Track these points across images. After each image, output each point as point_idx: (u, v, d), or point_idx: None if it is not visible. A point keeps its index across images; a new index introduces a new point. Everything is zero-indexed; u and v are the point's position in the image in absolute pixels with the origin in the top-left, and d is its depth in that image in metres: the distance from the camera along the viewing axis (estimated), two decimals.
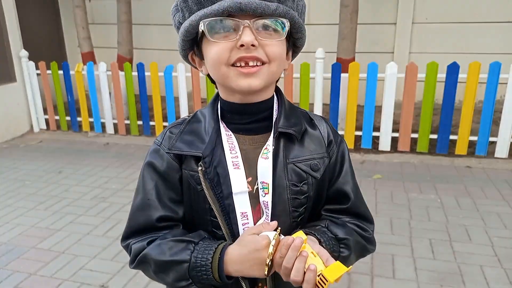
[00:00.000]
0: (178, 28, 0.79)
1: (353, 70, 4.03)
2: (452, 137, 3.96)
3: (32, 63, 4.98)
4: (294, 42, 0.82)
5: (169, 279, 0.77)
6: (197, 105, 4.51)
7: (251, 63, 0.72)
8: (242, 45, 0.70)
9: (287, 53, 0.80)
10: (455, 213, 2.92)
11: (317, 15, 5.37)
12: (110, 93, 4.94)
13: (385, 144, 4.15)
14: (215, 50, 0.73)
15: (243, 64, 0.73)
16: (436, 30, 5.03)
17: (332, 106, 4.20)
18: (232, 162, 0.78)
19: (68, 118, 5.10)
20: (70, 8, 5.57)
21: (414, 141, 4.14)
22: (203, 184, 0.78)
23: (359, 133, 4.23)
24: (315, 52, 4.17)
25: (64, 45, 6.20)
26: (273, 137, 0.80)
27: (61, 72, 4.91)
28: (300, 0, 0.77)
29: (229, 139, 0.80)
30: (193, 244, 0.76)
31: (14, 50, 4.97)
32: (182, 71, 4.44)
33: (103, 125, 5.00)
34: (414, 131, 4.11)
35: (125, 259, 2.46)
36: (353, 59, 4.45)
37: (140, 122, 4.83)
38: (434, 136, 4.02)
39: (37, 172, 3.88)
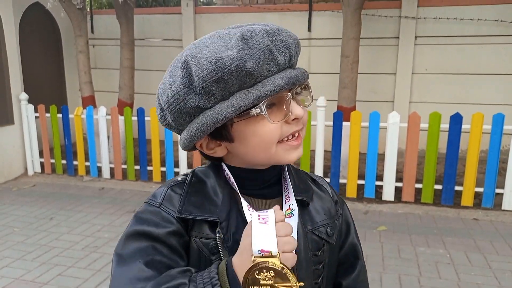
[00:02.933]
0: (189, 114, 0.66)
1: (355, 119, 4.01)
2: (457, 187, 3.87)
3: (31, 106, 4.95)
4: None
5: None
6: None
7: (296, 134, 0.69)
8: (294, 119, 0.66)
9: None
10: (467, 271, 2.76)
11: (318, 64, 5.44)
12: (108, 137, 4.88)
13: (388, 194, 4.05)
14: (267, 130, 0.65)
15: (290, 137, 0.68)
16: (436, 81, 5.09)
17: (334, 154, 4.14)
18: (247, 214, 0.69)
19: (64, 161, 5.00)
20: (73, 52, 5.65)
21: (418, 191, 4.04)
22: (221, 253, 0.67)
23: (361, 181, 4.13)
24: (316, 100, 4.17)
25: (65, 88, 6.22)
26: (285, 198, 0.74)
27: (60, 115, 4.87)
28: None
29: (249, 207, 0.70)
30: (187, 279, 0.62)
31: (14, 92, 4.95)
32: None
33: (99, 169, 4.90)
34: (418, 181, 4.02)
35: None
36: (354, 108, 4.45)
37: (137, 167, 4.73)
38: (439, 187, 3.92)
39: (27, 219, 3.72)
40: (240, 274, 0.58)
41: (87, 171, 4.96)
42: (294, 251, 0.63)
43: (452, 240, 3.23)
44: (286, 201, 0.74)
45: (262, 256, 0.58)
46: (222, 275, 0.59)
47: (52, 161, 5.05)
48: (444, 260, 2.91)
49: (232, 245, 0.67)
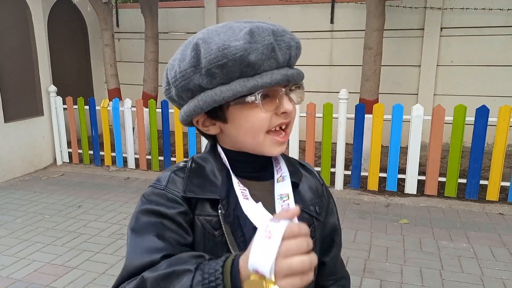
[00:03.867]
0: (191, 91, 0.71)
1: (377, 111, 3.97)
2: (482, 182, 3.80)
3: (59, 98, 5.12)
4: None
5: None
6: None
7: (283, 127, 0.74)
8: (284, 112, 0.72)
9: None
10: (491, 265, 2.73)
11: (341, 56, 5.40)
12: (133, 129, 5.00)
13: (411, 187, 4.01)
14: (259, 117, 0.71)
15: (277, 128, 0.73)
16: (462, 73, 4.98)
17: (356, 146, 4.12)
18: (242, 194, 0.74)
19: (91, 152, 5.16)
20: (100, 46, 5.79)
21: (441, 185, 3.99)
22: (223, 228, 0.72)
23: (383, 175, 4.11)
24: (338, 92, 4.15)
25: (92, 81, 6.39)
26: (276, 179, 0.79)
27: (87, 107, 5.02)
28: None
29: (238, 184, 0.75)
30: (193, 270, 0.61)
31: (44, 85, 5.12)
32: None
33: (124, 160, 5.03)
34: (441, 175, 3.97)
35: None
36: (377, 100, 4.41)
37: (161, 158, 4.84)
38: (463, 181, 3.86)
39: (57, 206, 3.87)
40: (243, 274, 0.56)
41: (113, 161, 5.10)
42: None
43: (476, 234, 3.19)
44: (278, 171, 0.79)
45: (257, 274, 0.52)
46: (226, 271, 0.58)
47: (80, 151, 5.22)
48: (467, 254, 2.88)
49: (233, 220, 0.73)
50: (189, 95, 0.72)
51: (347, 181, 4.30)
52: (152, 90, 5.25)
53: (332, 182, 4.28)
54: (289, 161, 0.85)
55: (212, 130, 0.77)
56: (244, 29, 0.67)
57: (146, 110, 4.84)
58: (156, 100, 5.03)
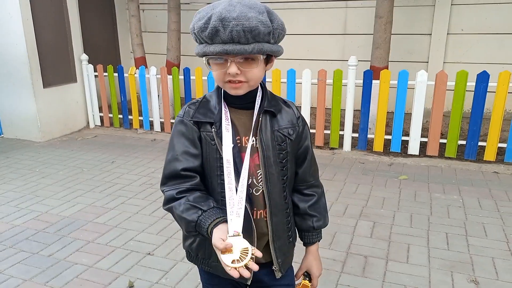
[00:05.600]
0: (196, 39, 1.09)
1: (384, 77, 4.24)
2: (481, 143, 4.07)
3: (91, 66, 5.56)
4: (273, 55, 1.13)
5: (183, 227, 1.10)
6: None
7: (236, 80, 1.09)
8: (230, 73, 1.06)
9: (267, 64, 1.13)
10: (475, 213, 3.06)
11: (355, 25, 5.61)
12: (158, 95, 5.42)
13: (414, 148, 4.31)
14: (215, 73, 1.09)
15: (232, 79, 1.08)
16: (472, 41, 5.13)
17: (363, 111, 4.42)
18: (225, 127, 1.13)
19: (120, 116, 5.63)
20: (126, 17, 6.15)
21: (443, 148, 4.27)
22: (216, 140, 1.12)
23: (388, 137, 4.41)
24: (347, 60, 4.42)
25: (119, 50, 6.80)
26: (257, 113, 1.15)
27: (116, 74, 5.45)
28: (276, 29, 1.04)
29: (225, 113, 1.15)
30: (201, 211, 1.07)
31: (76, 54, 5.57)
32: None
33: (151, 123, 5.49)
34: (442, 138, 4.24)
35: (169, 234, 2.82)
36: (387, 67, 4.65)
37: None
38: (463, 142, 4.13)
39: (92, 162, 4.37)
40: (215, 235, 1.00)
41: (141, 125, 5.57)
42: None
43: (468, 189, 3.50)
44: (257, 103, 1.16)
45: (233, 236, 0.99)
46: (210, 225, 1.02)
47: (110, 115, 5.70)
48: (456, 204, 3.22)
49: (221, 135, 1.12)
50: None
51: (354, 144, 4.63)
52: (175, 59, 5.62)
53: (341, 144, 4.62)
54: (274, 98, 1.21)
55: (209, 69, 1.14)
56: (207, 14, 1.02)
57: (169, 77, 5.23)
58: (179, 68, 5.41)
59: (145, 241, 2.74)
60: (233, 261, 0.94)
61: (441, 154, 4.27)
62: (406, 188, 3.54)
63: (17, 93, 5.04)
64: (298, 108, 1.28)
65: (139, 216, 3.11)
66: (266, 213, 1.16)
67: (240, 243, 0.98)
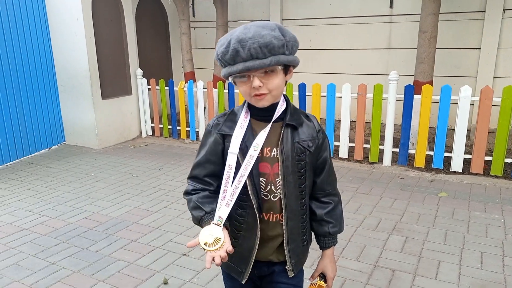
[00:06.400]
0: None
1: (426, 92, 4.20)
2: None
3: (145, 80, 5.98)
4: (291, 65, 1.24)
5: (192, 218, 1.28)
6: None
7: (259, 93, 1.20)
8: (254, 87, 1.18)
9: (286, 74, 1.23)
10: None
11: (399, 40, 5.58)
12: (205, 108, 5.71)
13: (457, 165, 4.20)
14: (241, 89, 1.21)
15: (257, 93, 1.19)
16: None
17: (404, 126, 4.39)
18: (236, 135, 1.24)
19: (169, 126, 5.99)
20: (178, 34, 6.55)
21: (488, 165, 4.12)
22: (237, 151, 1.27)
23: (430, 153, 4.34)
24: (388, 75, 4.42)
25: (171, 65, 7.24)
26: (282, 126, 1.26)
27: (167, 88, 5.83)
28: (289, 41, 1.15)
29: (243, 122, 1.26)
30: (204, 212, 1.24)
31: (132, 69, 6.02)
32: None
33: (197, 134, 5.78)
34: (488, 155, 4.10)
35: None
36: (431, 82, 4.59)
37: None
38: (510, 160, 3.97)
39: (142, 168, 4.69)
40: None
41: (188, 135, 5.88)
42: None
43: None
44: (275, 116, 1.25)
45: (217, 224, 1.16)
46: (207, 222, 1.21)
47: (161, 126, 6.07)
48: (496, 224, 3.11)
49: (243, 147, 1.24)
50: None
51: (395, 159, 4.59)
52: (220, 73, 5.89)
53: (381, 159, 4.60)
54: (296, 112, 1.31)
55: (236, 88, 1.30)
56: (227, 40, 1.15)
57: (215, 91, 5.50)
58: (224, 82, 5.67)
59: (182, 243, 2.93)
60: (205, 243, 1.13)
61: (487, 172, 4.12)
62: (444, 205, 3.47)
63: (79, 104, 5.54)
64: (322, 121, 1.40)
65: (179, 219, 3.33)
66: (282, 217, 1.28)
67: (217, 233, 1.15)
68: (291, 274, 1.35)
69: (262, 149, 1.25)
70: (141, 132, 6.23)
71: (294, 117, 1.28)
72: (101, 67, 5.53)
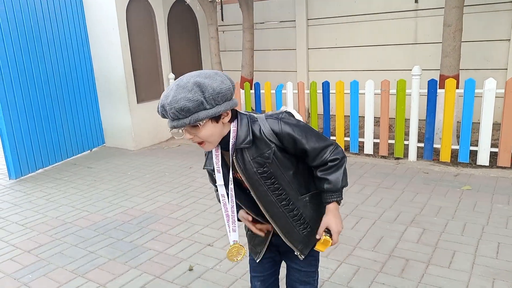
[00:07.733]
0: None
1: (449, 86, 4.19)
2: None
3: None
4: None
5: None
6: (301, 115, 5.13)
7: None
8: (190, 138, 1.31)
9: (219, 120, 1.30)
10: None
11: (425, 34, 5.55)
12: None
13: (483, 159, 4.16)
14: (187, 136, 1.31)
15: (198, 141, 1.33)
16: None
17: (428, 121, 4.39)
18: (217, 169, 1.41)
19: None
20: (207, 39, 6.82)
21: None
22: (214, 177, 1.46)
23: (455, 147, 4.32)
24: (410, 70, 4.44)
25: (202, 68, 7.52)
26: (231, 153, 1.36)
27: None
28: (209, 97, 1.22)
29: (217, 157, 1.41)
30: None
31: (165, 73, 6.34)
32: (290, 89, 5.14)
33: None
34: None
35: None
36: (457, 76, 4.56)
37: None
38: None
39: (174, 167, 4.97)
40: None
41: None
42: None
43: None
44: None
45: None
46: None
47: None
48: None
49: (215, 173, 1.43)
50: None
51: (420, 154, 4.60)
52: (248, 74, 6.09)
53: (406, 154, 4.62)
54: (245, 130, 1.33)
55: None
56: (159, 103, 1.26)
57: (242, 91, 5.70)
58: (251, 83, 5.86)
59: (208, 235, 3.15)
60: (231, 255, 1.51)
61: None
62: (466, 198, 3.48)
63: (116, 108, 5.92)
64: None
65: (206, 213, 3.55)
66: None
67: (239, 248, 1.50)
68: (301, 257, 1.51)
69: (234, 174, 1.41)
70: None
71: (242, 138, 1.33)
72: (135, 73, 5.88)
